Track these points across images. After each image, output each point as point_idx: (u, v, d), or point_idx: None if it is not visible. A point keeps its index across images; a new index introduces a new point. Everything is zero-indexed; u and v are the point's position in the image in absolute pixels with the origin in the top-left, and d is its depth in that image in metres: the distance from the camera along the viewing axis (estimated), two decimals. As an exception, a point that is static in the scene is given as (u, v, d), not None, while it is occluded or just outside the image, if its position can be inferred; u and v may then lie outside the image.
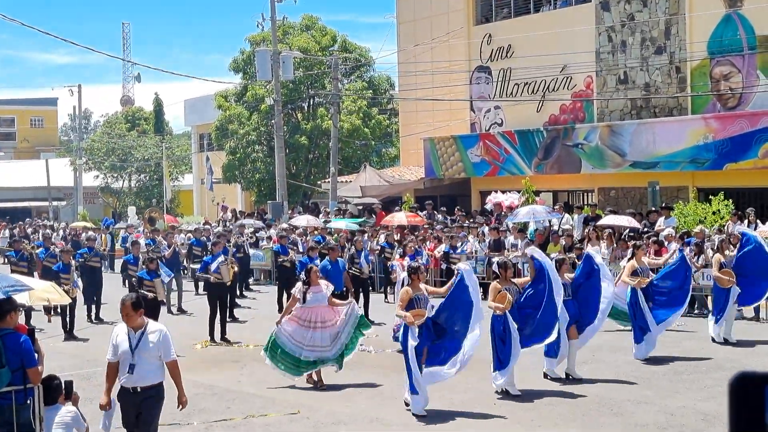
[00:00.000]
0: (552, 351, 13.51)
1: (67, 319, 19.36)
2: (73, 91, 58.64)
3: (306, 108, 45.34)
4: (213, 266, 18.72)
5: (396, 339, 15.72)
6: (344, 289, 18.57)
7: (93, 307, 21.68)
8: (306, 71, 42.49)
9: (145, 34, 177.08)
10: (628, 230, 23.15)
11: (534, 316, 12.88)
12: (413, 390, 11.74)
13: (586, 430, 11.10)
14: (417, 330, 11.75)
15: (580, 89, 31.47)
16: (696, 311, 20.36)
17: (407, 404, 11.95)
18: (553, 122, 31.98)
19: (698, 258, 20.29)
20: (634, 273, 15.31)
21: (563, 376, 13.62)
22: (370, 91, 44.63)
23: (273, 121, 38.08)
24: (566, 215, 27.15)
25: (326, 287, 14.06)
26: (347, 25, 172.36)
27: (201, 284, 26.57)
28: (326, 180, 39.15)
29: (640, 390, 12.91)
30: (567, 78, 31.54)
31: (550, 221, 26.26)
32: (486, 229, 25.79)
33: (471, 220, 28.35)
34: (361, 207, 35.24)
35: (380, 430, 11.31)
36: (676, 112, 28.86)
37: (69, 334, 19.17)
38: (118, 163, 58.46)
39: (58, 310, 21.79)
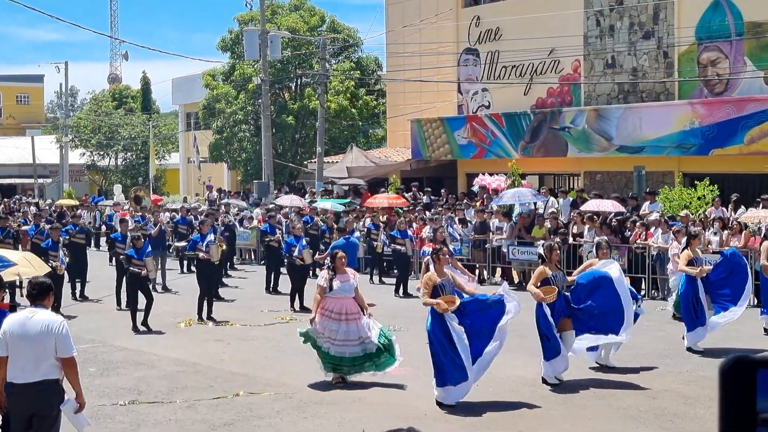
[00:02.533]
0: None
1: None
2: (59, 68, 58.28)
3: (293, 88, 45.20)
4: (206, 242, 18.64)
5: None
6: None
7: (78, 284, 21.61)
8: (294, 51, 42.33)
9: (133, 12, 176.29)
10: (613, 215, 23.21)
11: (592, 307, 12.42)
12: (445, 382, 11.16)
13: (568, 412, 11.16)
14: (453, 315, 11.05)
15: (567, 73, 31.45)
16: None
17: (439, 401, 11.31)
18: (540, 105, 31.98)
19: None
20: (690, 263, 14.68)
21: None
22: (358, 71, 44.51)
23: (260, 101, 37.95)
24: (552, 198, 27.22)
25: (353, 276, 12.87)
26: (336, 6, 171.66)
27: (186, 263, 26.59)
28: (313, 160, 39.09)
29: (623, 373, 12.97)
30: (555, 61, 31.52)
31: (535, 204, 26.31)
32: (472, 211, 25.82)
33: (456, 202, 28.38)
34: (347, 188, 35.20)
35: (363, 410, 11.34)
36: (663, 97, 28.89)
37: (55, 312, 19.05)
38: (105, 141, 58.18)
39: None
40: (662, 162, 27.86)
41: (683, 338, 14.77)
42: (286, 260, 20.82)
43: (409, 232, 23.60)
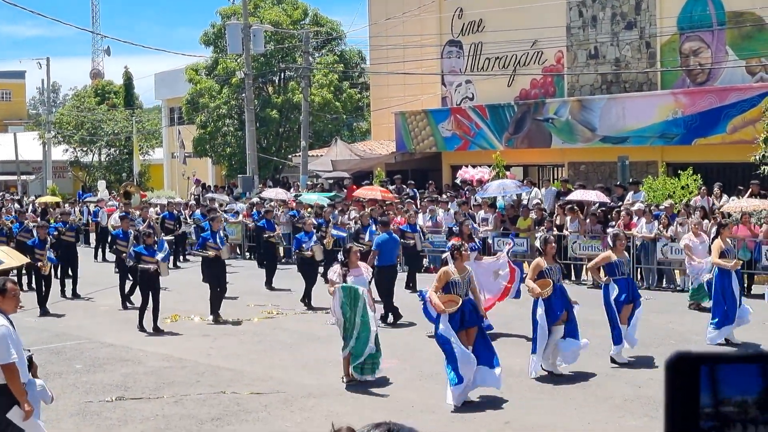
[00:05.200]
0: (617, 338, 12.95)
1: (42, 294, 19.04)
2: (41, 64, 57.95)
3: (277, 82, 45.14)
4: (218, 239, 18.12)
5: None
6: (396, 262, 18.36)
7: (68, 282, 21.24)
8: (277, 45, 42.25)
9: (114, 7, 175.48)
10: (597, 205, 23.30)
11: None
12: (456, 380, 10.99)
13: (554, 402, 11.23)
14: (448, 317, 10.96)
15: (550, 64, 31.51)
16: (664, 285, 20.56)
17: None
18: (524, 97, 32.03)
19: (666, 231, 20.50)
20: (722, 254, 14.27)
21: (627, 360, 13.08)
22: (342, 64, 44.45)
23: (244, 95, 37.88)
24: (535, 189, 27.30)
25: (366, 270, 12.68)
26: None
27: (171, 258, 26.53)
28: (297, 154, 39.03)
29: (608, 363, 13.03)
30: (538, 53, 31.57)
31: (519, 195, 26.39)
32: (455, 203, 25.80)
33: (439, 195, 28.41)
34: (332, 181, 35.19)
35: (350, 403, 11.37)
36: (645, 87, 28.99)
37: (44, 309, 18.87)
38: (88, 137, 57.90)
39: (32, 285, 21.59)
40: (645, 152, 27.96)
41: (714, 336, 14.22)
42: (296, 256, 20.44)
43: (419, 227, 22.67)
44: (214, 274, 17.97)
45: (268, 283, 22.18)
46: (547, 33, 30.39)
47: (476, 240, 16.90)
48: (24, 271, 21.85)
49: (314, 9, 45.49)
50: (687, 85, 27.83)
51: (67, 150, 59.09)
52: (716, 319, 14.20)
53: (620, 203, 23.80)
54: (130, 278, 19.19)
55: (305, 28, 40.68)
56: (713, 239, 15.03)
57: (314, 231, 20.40)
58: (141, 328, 16.64)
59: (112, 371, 13.34)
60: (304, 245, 19.31)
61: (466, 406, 11.02)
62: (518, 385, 12.01)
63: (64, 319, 18.16)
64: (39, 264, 18.73)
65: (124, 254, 19.13)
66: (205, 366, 13.56)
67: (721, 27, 27.05)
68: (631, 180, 25.59)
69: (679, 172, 24.75)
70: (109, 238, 27.02)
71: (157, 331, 16.48)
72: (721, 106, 25.76)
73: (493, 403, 11.18)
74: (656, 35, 28.59)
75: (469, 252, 11.95)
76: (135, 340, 15.87)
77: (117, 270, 20.44)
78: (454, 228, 19.13)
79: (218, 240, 18.14)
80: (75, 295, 21.17)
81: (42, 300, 19.02)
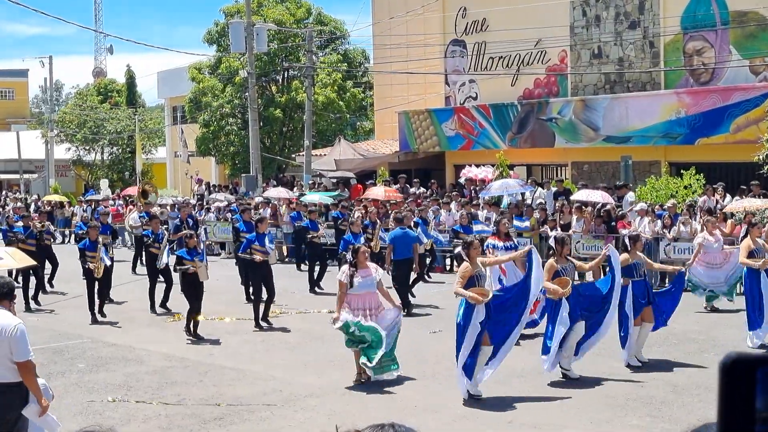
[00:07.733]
0: (623, 342, 12.82)
1: (98, 299, 18.02)
2: (44, 63, 57.96)
3: (280, 81, 45.11)
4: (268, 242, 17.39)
5: None
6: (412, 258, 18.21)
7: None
8: (280, 44, 42.23)
9: (117, 5, 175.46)
10: (600, 205, 23.27)
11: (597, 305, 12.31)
12: (467, 373, 11.12)
13: (556, 402, 11.20)
14: (483, 309, 11.02)
15: (554, 63, 31.49)
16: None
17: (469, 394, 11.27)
18: (528, 96, 32.01)
19: (669, 231, 20.48)
20: (750, 254, 14.10)
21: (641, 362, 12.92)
22: (345, 64, 44.44)
23: (247, 94, 37.87)
24: (539, 189, 27.29)
25: (375, 271, 12.43)
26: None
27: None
28: (300, 153, 39.02)
29: (610, 362, 13.01)
30: (541, 52, 31.55)
31: (523, 194, 26.36)
32: (454, 203, 25.69)
33: (445, 192, 28.37)
34: (335, 180, 35.17)
35: (352, 402, 11.36)
36: (649, 87, 28.98)
37: (95, 316, 17.73)
38: (91, 135, 57.93)
39: (53, 284, 21.51)
40: (649, 151, 27.94)
41: (747, 339, 14.07)
42: (343, 258, 20.00)
43: (480, 227, 21.76)
44: (258, 278, 17.10)
45: (318, 285, 21.32)
46: (550, 32, 30.38)
47: (514, 239, 16.78)
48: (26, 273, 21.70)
49: (318, 8, 45.48)
50: (690, 84, 27.81)
51: (69, 148, 59.13)
52: (751, 322, 13.95)
53: (621, 203, 23.84)
54: (161, 279, 18.80)
55: (309, 27, 40.65)
56: (742, 238, 14.91)
57: (362, 233, 19.66)
58: (196, 336, 15.77)
59: (115, 371, 13.34)
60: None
61: (467, 406, 11.01)
62: (520, 384, 12.00)
63: (67, 318, 18.14)
64: (90, 266, 17.80)
65: (159, 258, 18.61)
66: (207, 365, 13.56)
67: (724, 26, 27.03)
68: (617, 184, 25.58)
69: (682, 171, 24.73)
70: (143, 239, 26.80)
71: (195, 336, 15.78)
72: (724, 106, 25.74)
73: (495, 402, 11.17)
74: (660, 35, 28.58)
75: (479, 249, 11.93)
76: (137, 339, 15.86)
77: (148, 272, 19.88)
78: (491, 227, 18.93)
79: (266, 243, 17.28)
80: (109, 299, 19.62)
81: (100, 306, 17.96)
